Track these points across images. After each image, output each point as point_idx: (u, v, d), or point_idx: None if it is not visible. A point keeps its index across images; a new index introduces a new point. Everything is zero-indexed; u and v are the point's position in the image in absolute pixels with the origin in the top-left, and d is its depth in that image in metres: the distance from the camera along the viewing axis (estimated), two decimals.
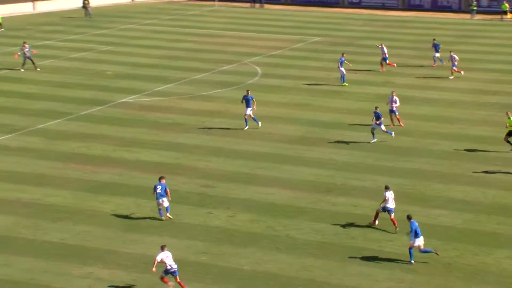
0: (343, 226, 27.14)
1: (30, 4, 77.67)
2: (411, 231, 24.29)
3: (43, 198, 29.56)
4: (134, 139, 36.70)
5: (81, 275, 23.51)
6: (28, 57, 50.20)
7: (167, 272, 22.36)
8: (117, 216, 27.96)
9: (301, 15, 76.81)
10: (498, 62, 54.87)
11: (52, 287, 22.86)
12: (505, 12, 75.10)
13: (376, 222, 27.00)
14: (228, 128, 38.29)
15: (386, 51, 50.48)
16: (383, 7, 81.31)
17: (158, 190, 27.10)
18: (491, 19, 75.04)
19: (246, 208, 28.66)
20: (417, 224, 24.40)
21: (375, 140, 35.85)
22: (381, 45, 51.24)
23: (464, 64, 52.99)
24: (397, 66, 51.45)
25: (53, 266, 24.03)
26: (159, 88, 46.53)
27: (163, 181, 27.42)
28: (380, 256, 24.73)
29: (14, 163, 33.35)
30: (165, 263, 22.29)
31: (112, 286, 22.90)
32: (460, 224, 27.51)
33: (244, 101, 37.97)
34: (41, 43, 59.96)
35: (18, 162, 33.48)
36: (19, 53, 50.88)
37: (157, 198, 27.24)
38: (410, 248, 24.30)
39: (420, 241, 24.25)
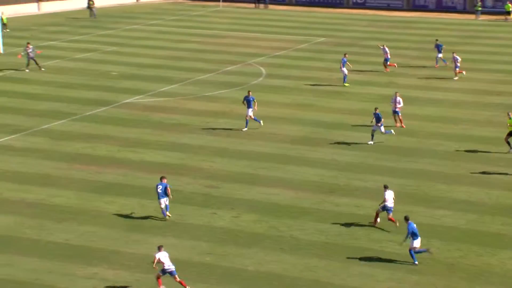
0: (346, 226, 27.17)
1: (35, 4, 77.84)
2: (407, 232, 24.29)
3: (48, 198, 29.65)
4: (138, 140, 36.78)
5: (85, 276, 23.58)
6: (32, 58, 50.33)
7: (164, 271, 22.38)
8: (122, 216, 28.03)
9: (306, 15, 76.85)
10: (503, 63, 54.83)
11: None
12: (508, 13, 75.02)
13: (378, 219, 27.02)
14: (233, 129, 38.34)
15: (388, 52, 50.44)
16: (388, 8, 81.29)
17: (159, 190, 27.21)
18: (496, 20, 74.97)
19: (250, 209, 28.71)
20: (415, 225, 24.36)
21: (372, 142, 35.79)
22: (383, 46, 51.23)
23: (468, 64, 52.99)
24: (400, 66, 51.41)
25: (57, 267, 24.11)
26: (163, 89, 46.61)
27: (165, 180, 27.51)
28: (383, 256, 24.75)
29: (18, 164, 33.45)
30: (163, 263, 22.32)
31: (116, 286, 22.97)
32: (464, 224, 27.51)
33: (245, 102, 38.03)
34: (45, 43, 60.11)
35: (22, 163, 33.58)
36: (22, 53, 51.03)
37: (158, 198, 27.35)
38: (410, 250, 24.30)
39: (418, 243, 24.24)
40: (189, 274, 23.62)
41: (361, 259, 24.69)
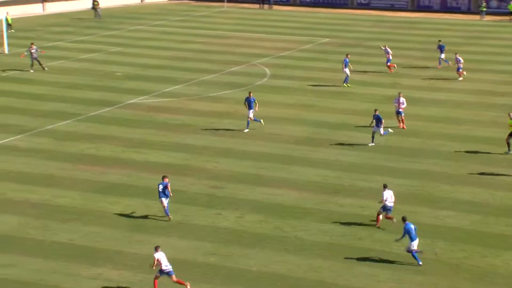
0: (351, 227, 27.17)
1: (39, 5, 77.99)
2: (403, 232, 24.28)
3: (52, 199, 29.70)
4: (142, 140, 36.83)
5: (90, 276, 23.62)
6: (35, 58, 50.44)
7: (162, 272, 22.35)
8: (126, 217, 28.08)
9: (310, 16, 76.86)
10: (507, 64, 54.76)
11: None
12: (511, 13, 74.90)
13: (380, 217, 27.03)
14: (237, 129, 38.36)
15: (390, 53, 50.38)
16: (392, 8, 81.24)
17: (160, 189, 27.28)
18: (500, 20, 74.87)
19: (254, 209, 28.73)
20: (412, 226, 24.32)
21: (373, 144, 35.76)
22: (385, 47, 51.20)
23: (473, 65, 52.97)
24: (404, 67, 51.37)
25: (62, 267, 24.16)
26: (167, 89, 46.66)
27: (166, 180, 27.57)
28: (388, 257, 24.74)
29: (23, 164, 33.52)
30: (161, 264, 22.33)
31: (120, 287, 23.01)
32: (468, 225, 27.49)
33: (246, 103, 38.04)
34: (50, 44, 60.22)
35: (27, 163, 33.65)
36: (25, 53, 51.16)
37: (159, 197, 27.43)
38: (411, 252, 24.26)
39: (416, 244, 24.20)
40: (193, 274, 23.66)
41: (365, 259, 24.69)
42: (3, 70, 51.34)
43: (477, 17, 75.96)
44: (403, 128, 38.46)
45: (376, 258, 24.73)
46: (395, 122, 38.69)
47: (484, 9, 75.75)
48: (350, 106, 42.95)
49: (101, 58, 55.57)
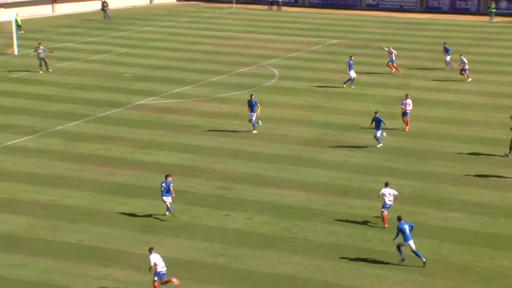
0: (358, 228, 27.16)
1: (49, 6, 78.26)
2: (396, 233, 24.31)
3: (61, 199, 29.82)
4: (151, 141, 36.92)
5: (99, 276, 23.70)
6: (42, 58, 50.64)
7: (158, 275, 22.29)
8: (135, 217, 28.16)
9: (319, 17, 76.84)
10: None
11: None
12: None
13: (386, 215, 27.13)
14: (245, 131, 38.40)
15: (393, 53, 50.29)
16: (401, 9, 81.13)
17: (162, 188, 27.38)
18: (510, 21, 74.64)
19: (263, 210, 28.77)
20: (407, 226, 24.28)
21: (381, 145, 35.74)
22: (389, 48, 51.11)
23: (482, 66, 52.89)
24: (413, 68, 51.28)
25: (71, 267, 24.26)
26: (176, 90, 46.76)
27: (169, 178, 27.67)
28: (395, 259, 24.70)
29: (32, 165, 33.66)
30: (156, 266, 22.26)
31: None
32: (477, 227, 27.43)
33: (248, 105, 38.04)
34: (60, 45, 60.44)
35: (36, 164, 33.79)
36: (33, 54, 51.37)
37: (162, 196, 27.50)
38: (413, 251, 24.25)
39: (412, 244, 24.18)
40: (201, 275, 23.72)
41: (372, 261, 24.68)
42: (11, 71, 51.53)
43: (486, 18, 75.77)
44: (406, 130, 38.28)
45: (384, 260, 24.71)
46: (398, 123, 38.54)
47: (494, 10, 75.55)
48: (358, 107, 42.91)
49: (110, 59, 55.74)
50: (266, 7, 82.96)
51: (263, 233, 26.82)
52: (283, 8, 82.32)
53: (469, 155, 35.04)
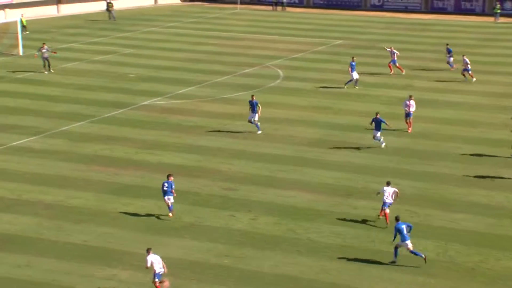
0: (363, 229, 27.11)
1: (54, 7, 78.36)
2: (394, 233, 24.29)
3: (66, 200, 29.83)
4: (156, 142, 36.92)
5: (104, 277, 23.70)
6: (46, 58, 50.69)
7: (157, 275, 22.30)
8: (139, 218, 28.15)
9: (323, 18, 76.79)
10: None
11: None
12: None
13: (387, 213, 27.13)
14: (250, 131, 38.37)
15: (396, 53, 50.21)
16: (406, 10, 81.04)
17: (165, 188, 27.38)
18: None
19: (268, 211, 28.73)
20: (404, 226, 24.24)
21: (384, 144, 35.69)
22: (391, 48, 51.04)
23: (486, 67, 52.79)
24: (418, 69, 51.21)
25: (75, 268, 24.25)
26: (181, 91, 46.76)
27: (171, 178, 27.69)
28: (402, 259, 24.65)
29: (37, 165, 33.68)
30: (154, 268, 22.23)
31: None
32: (483, 228, 27.36)
33: (249, 106, 37.99)
34: (64, 45, 60.50)
35: (41, 164, 33.82)
36: (37, 53, 51.43)
37: (163, 195, 27.50)
38: (410, 252, 24.18)
39: (409, 244, 24.15)
40: (206, 276, 23.71)
41: (377, 262, 24.62)
42: (16, 72, 51.59)
43: (491, 19, 75.62)
44: (409, 131, 38.18)
45: (389, 261, 24.63)
46: (402, 124, 38.44)
47: (499, 11, 75.39)
48: (363, 108, 42.85)
49: (115, 60, 55.77)
50: (270, 7, 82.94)
51: (268, 234, 26.79)
52: (288, 8, 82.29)
53: (474, 156, 34.95)
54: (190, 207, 28.96)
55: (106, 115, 41.48)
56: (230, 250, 25.58)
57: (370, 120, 36.11)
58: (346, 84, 47.12)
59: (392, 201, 27.42)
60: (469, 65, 48.29)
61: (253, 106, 37.77)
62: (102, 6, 77.84)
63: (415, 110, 38.46)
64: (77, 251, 25.44)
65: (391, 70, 50.74)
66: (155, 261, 22.32)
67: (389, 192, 27.31)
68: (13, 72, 51.61)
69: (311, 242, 26.17)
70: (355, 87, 47.07)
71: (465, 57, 48.62)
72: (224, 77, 50.51)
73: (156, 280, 22.29)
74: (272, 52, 58.70)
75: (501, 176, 32.37)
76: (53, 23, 72.28)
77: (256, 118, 37.76)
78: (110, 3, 74.37)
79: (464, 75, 48.75)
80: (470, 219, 28.06)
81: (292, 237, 26.56)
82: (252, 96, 38.74)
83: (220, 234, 26.76)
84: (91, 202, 29.55)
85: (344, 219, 27.96)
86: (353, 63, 46.68)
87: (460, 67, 49.49)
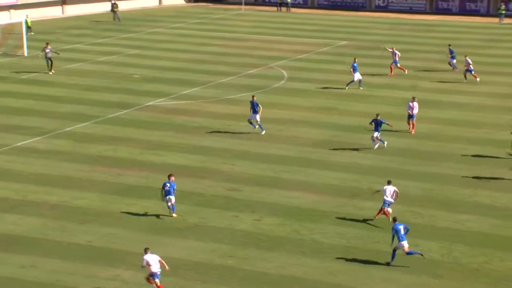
0: (368, 230, 27.07)
1: (59, 8, 78.47)
2: (392, 234, 24.26)
3: (70, 200, 29.85)
4: (160, 142, 36.93)
5: (108, 277, 23.70)
6: (49, 58, 50.73)
7: (153, 275, 22.31)
8: (143, 218, 28.16)
9: (328, 19, 76.76)
10: None
11: None
12: None
13: (387, 210, 27.20)
14: (254, 132, 38.35)
15: (397, 54, 50.15)
16: (410, 11, 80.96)
17: (167, 188, 27.37)
18: None
19: (272, 212, 28.71)
20: (401, 227, 24.20)
21: (386, 143, 35.61)
22: (392, 49, 50.96)
23: (491, 68, 52.71)
24: (423, 70, 51.15)
25: (80, 268, 24.26)
26: (185, 92, 46.78)
27: (172, 178, 27.69)
28: (406, 261, 24.60)
29: (42, 166, 33.72)
30: (150, 267, 22.22)
31: None
32: (488, 229, 27.30)
33: (250, 107, 37.96)
34: (69, 46, 60.59)
35: (46, 165, 33.85)
36: (41, 54, 51.49)
37: (165, 196, 27.49)
38: (407, 253, 24.17)
39: (405, 245, 24.10)
40: (210, 276, 23.69)
41: (382, 263, 24.56)
42: (20, 72, 51.68)
43: (496, 19, 75.50)
44: (411, 132, 38.10)
45: (394, 262, 24.57)
46: (405, 126, 38.37)
47: (503, 11, 75.27)
48: (368, 109, 42.79)
49: (119, 61, 55.81)
50: (275, 8, 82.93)
51: (272, 235, 26.76)
52: (292, 9, 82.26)
53: (479, 157, 34.88)
54: (194, 208, 28.95)
55: (110, 116, 41.51)
56: (234, 250, 25.56)
57: (370, 121, 36.08)
58: (347, 85, 47.07)
59: (393, 200, 27.41)
60: (471, 66, 48.21)
61: (253, 107, 37.76)
62: (107, 7, 77.91)
63: (417, 112, 38.37)
64: (82, 251, 25.45)
65: (391, 72, 50.63)
66: (152, 261, 22.33)
67: (389, 191, 27.30)
68: (18, 72, 51.69)
69: (316, 243, 26.13)
70: (359, 88, 47.04)
71: (467, 58, 48.53)
72: (229, 78, 50.51)
73: (156, 280, 22.29)
74: (277, 53, 58.69)
75: (506, 177, 32.23)
76: (58, 24, 72.38)
77: (258, 119, 37.74)
78: (115, 4, 74.46)
79: (465, 76, 48.66)
80: (475, 220, 28.01)
81: (296, 238, 26.53)
82: (253, 96, 38.74)
83: (224, 235, 26.75)
84: (95, 203, 29.57)
85: (349, 220, 27.92)
86: (355, 64, 46.65)
87: (463, 67, 49.42)
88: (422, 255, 24.29)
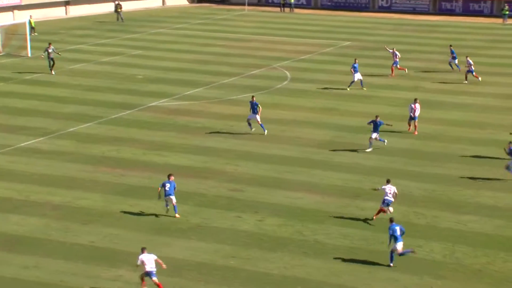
0: (371, 231, 27.05)
1: (62, 8, 78.58)
2: (389, 234, 24.23)
3: (73, 200, 29.88)
4: (163, 143, 36.95)
5: (110, 278, 23.72)
6: (51, 58, 50.79)
7: (147, 274, 22.33)
8: (146, 219, 28.17)
9: (331, 19, 76.73)
10: None
11: None
12: None
13: (385, 209, 27.25)
14: (256, 133, 38.35)
15: (398, 55, 50.09)
16: (414, 12, 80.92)
17: (167, 188, 27.38)
18: None
19: (275, 213, 28.70)
20: (398, 228, 24.20)
21: (386, 141, 35.56)
22: (393, 49, 50.91)
23: (495, 69, 52.64)
24: (426, 71, 51.09)
25: (82, 269, 24.29)
26: (188, 92, 46.80)
27: (172, 178, 27.71)
28: (409, 261, 24.59)
29: (45, 166, 33.76)
30: (145, 266, 22.26)
31: None
32: (491, 230, 27.27)
33: (250, 107, 37.96)
34: (72, 47, 60.66)
35: (49, 165, 33.89)
36: (43, 54, 51.54)
37: (165, 195, 27.51)
38: (399, 254, 24.16)
39: (400, 246, 24.08)
40: (213, 277, 23.70)
41: (385, 264, 24.53)
42: (24, 73, 51.76)
43: (499, 20, 75.41)
44: (414, 133, 38.07)
45: (397, 262, 24.56)
46: (405, 126, 38.32)
47: (507, 12, 75.18)
48: (371, 109, 42.75)
49: (123, 61, 55.87)
50: (278, 9, 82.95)
51: (275, 236, 26.76)
52: (295, 10, 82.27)
53: (482, 158, 34.84)
54: (196, 208, 28.96)
55: (113, 116, 41.55)
56: (237, 251, 25.57)
57: (369, 121, 36.06)
58: (349, 86, 47.05)
59: (393, 199, 27.41)
60: (472, 66, 48.15)
61: (253, 107, 37.76)
62: (110, 7, 77.98)
63: (419, 113, 38.32)
64: (84, 252, 25.48)
65: (392, 73, 50.57)
66: (147, 261, 22.37)
67: (389, 190, 27.28)
68: (21, 73, 51.76)
69: (319, 243, 26.12)
70: (362, 88, 47.01)
71: (468, 58, 48.47)
72: (232, 78, 50.52)
73: (153, 278, 22.33)
74: (280, 53, 58.69)
75: (509, 178, 32.19)
76: (62, 25, 72.47)
77: (259, 119, 37.73)
78: (118, 4, 74.55)
79: (466, 76, 48.59)
80: (477, 221, 27.98)
81: (299, 238, 26.52)
82: (253, 96, 38.74)
83: (227, 235, 26.75)
84: (98, 203, 29.59)
85: (352, 221, 27.91)
86: (356, 65, 46.64)
87: (465, 68, 49.35)
88: (413, 251, 24.31)
